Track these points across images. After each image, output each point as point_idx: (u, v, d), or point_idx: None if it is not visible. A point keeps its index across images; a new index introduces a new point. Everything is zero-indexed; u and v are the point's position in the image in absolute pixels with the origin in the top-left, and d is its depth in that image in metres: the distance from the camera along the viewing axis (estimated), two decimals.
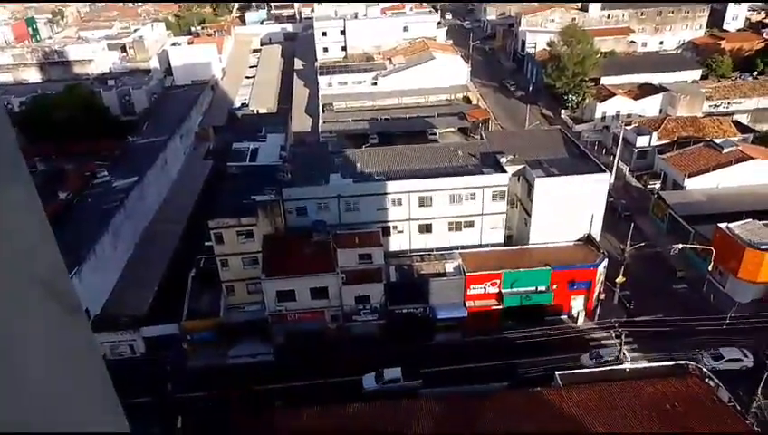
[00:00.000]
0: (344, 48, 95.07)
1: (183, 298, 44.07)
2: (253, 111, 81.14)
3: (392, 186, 45.84)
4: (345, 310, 43.08)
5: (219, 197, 47.80)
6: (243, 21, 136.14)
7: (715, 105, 73.67)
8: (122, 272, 48.06)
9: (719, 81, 79.72)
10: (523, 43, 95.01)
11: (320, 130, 74.28)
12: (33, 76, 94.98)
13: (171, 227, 53.46)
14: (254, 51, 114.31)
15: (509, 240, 49.08)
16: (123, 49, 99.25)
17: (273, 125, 64.95)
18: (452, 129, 73.98)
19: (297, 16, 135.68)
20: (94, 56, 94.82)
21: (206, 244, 45.44)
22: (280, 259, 42.06)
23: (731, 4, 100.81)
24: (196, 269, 47.03)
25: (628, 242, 45.79)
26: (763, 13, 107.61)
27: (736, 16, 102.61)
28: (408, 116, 76.38)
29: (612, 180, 55.51)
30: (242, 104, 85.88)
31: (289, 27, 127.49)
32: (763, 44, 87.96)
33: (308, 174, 47.23)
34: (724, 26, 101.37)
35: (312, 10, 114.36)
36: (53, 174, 57.41)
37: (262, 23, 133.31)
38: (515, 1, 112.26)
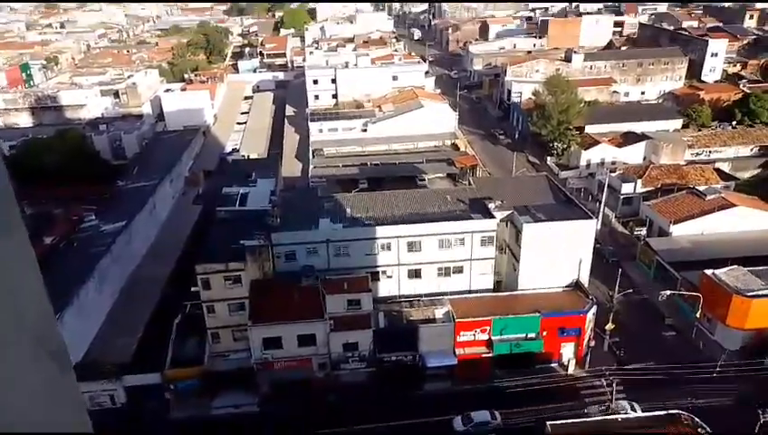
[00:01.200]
0: (335, 96, 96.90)
1: (167, 345, 43.16)
2: (243, 156, 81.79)
3: (381, 231, 45.95)
4: (333, 358, 42.38)
5: (207, 241, 47.54)
6: (236, 69, 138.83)
7: (697, 153, 75.45)
8: (106, 317, 47.14)
9: (700, 130, 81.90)
10: (509, 92, 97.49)
11: (310, 175, 74.85)
12: (24, 121, 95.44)
13: (158, 271, 52.85)
14: (246, 98, 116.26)
15: (498, 286, 49.01)
16: (116, 95, 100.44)
17: (263, 170, 65.30)
18: (441, 174, 74.87)
19: (289, 65, 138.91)
20: (87, 101, 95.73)
21: (193, 289, 44.88)
22: (267, 305, 41.57)
23: (708, 58, 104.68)
24: (181, 315, 46.27)
25: (617, 288, 45.91)
26: (739, 65, 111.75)
27: (714, 68, 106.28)
28: (397, 162, 77.33)
29: (599, 226, 56.11)
30: (233, 149, 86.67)
31: (281, 75, 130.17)
32: (740, 95, 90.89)
33: (297, 219, 47.30)
34: (703, 77, 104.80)
35: (304, 59, 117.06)
36: (40, 218, 56.93)
37: (254, 71, 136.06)
38: (477, 1, 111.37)
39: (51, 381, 2.06)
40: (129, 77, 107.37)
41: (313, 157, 79.30)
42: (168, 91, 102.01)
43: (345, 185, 69.88)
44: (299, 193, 64.84)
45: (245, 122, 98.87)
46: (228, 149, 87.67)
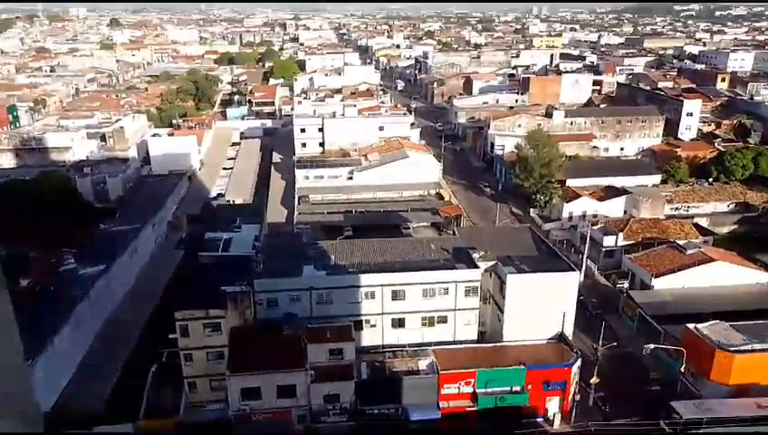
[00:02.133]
0: (322, 144, 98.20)
1: (142, 394, 41.65)
2: (229, 201, 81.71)
3: (365, 278, 45.62)
4: (313, 409, 41.15)
5: (188, 287, 46.74)
6: (224, 116, 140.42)
7: (676, 208, 77.14)
8: (80, 363, 45.57)
9: (678, 185, 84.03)
10: (492, 145, 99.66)
11: (295, 221, 74.77)
12: (7, 162, 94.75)
13: (136, 317, 51.61)
14: (234, 144, 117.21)
15: (482, 337, 48.57)
16: (103, 138, 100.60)
17: (248, 216, 65.23)
18: (425, 223, 75.30)
19: (277, 113, 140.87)
20: (72, 144, 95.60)
21: (171, 336, 43.73)
22: (247, 354, 40.55)
23: (684, 117, 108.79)
24: (158, 363, 44.90)
25: (601, 341, 45.74)
26: (713, 125, 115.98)
27: (689, 127, 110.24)
28: (382, 210, 77.75)
29: (582, 278, 56.41)
30: (218, 194, 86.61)
31: (269, 123, 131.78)
32: (715, 153, 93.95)
33: (281, 265, 46.84)
34: (679, 135, 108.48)
35: (292, 108, 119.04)
36: (18, 259, 55.63)
37: (242, 118, 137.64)
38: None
39: None
40: (116, 121, 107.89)
41: (299, 203, 79.49)
42: (155, 135, 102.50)
43: (330, 232, 69.79)
44: (283, 239, 64.51)
45: (232, 168, 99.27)
46: (214, 193, 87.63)
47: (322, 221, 74.60)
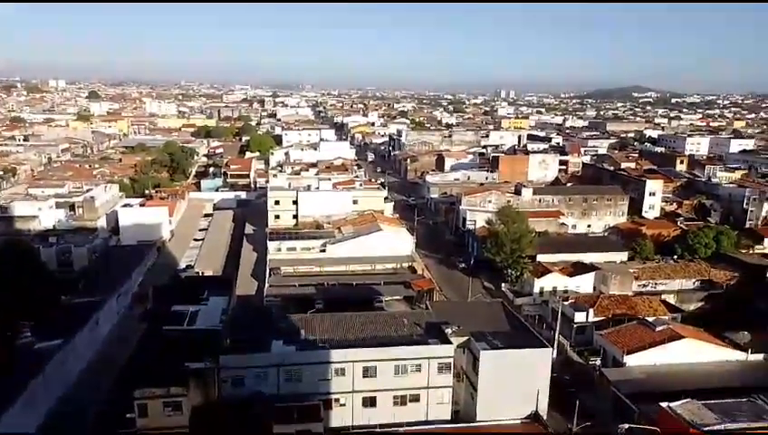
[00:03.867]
0: (295, 216, 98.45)
1: None
2: (198, 272, 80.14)
3: (336, 354, 44.48)
4: None
5: (148, 363, 44.71)
6: (198, 187, 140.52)
7: (644, 285, 78.40)
8: None
9: (644, 262, 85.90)
10: (464, 219, 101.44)
11: (265, 293, 73.39)
12: None
13: (92, 395, 48.77)
14: (206, 215, 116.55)
15: (456, 416, 47.16)
16: (72, 208, 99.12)
17: (216, 288, 63.86)
18: (398, 297, 74.67)
19: (252, 185, 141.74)
20: (39, 213, 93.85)
21: (128, 416, 41.30)
22: None
23: (647, 196, 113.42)
24: None
25: (575, 420, 44.83)
26: (675, 204, 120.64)
27: (653, 206, 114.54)
28: (354, 283, 77.08)
29: (555, 355, 55.96)
30: (187, 266, 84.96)
31: (243, 195, 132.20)
32: (678, 231, 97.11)
33: (249, 340, 45.45)
34: (643, 214, 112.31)
35: (267, 181, 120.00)
36: None
37: (217, 189, 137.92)
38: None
39: None
40: (87, 190, 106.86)
41: (270, 275, 78.37)
42: (126, 205, 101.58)
43: (301, 305, 68.42)
44: (252, 312, 62.98)
45: (203, 239, 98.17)
46: (183, 265, 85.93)
47: (293, 294, 73.39)
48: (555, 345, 59.12)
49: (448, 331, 47.63)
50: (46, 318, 57.71)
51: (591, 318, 65.52)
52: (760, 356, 56.90)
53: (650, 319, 61.89)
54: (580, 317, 65.57)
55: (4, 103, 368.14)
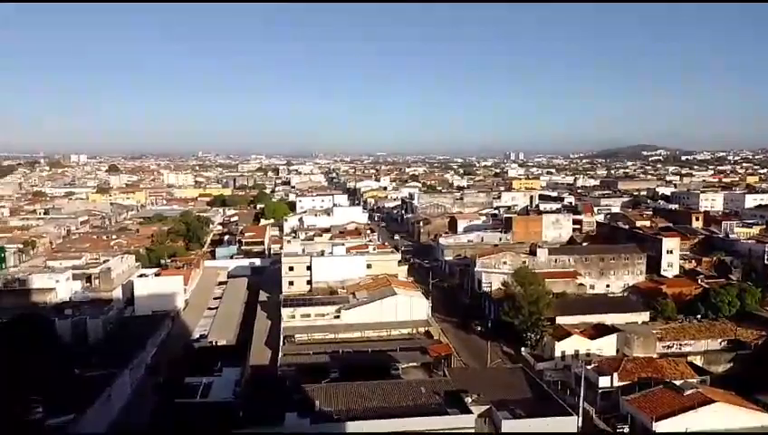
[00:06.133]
0: (309, 282, 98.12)
1: None
2: (211, 342, 79.36)
3: (352, 426, 43.06)
4: None
5: None
6: (213, 255, 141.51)
7: (668, 346, 75.98)
8: None
9: (667, 323, 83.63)
10: (479, 281, 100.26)
11: (279, 363, 72.06)
12: None
13: None
14: (221, 283, 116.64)
15: None
16: (88, 279, 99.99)
17: (229, 358, 63.08)
18: (414, 364, 72.88)
19: (266, 252, 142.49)
20: (56, 285, 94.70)
21: None
22: None
23: (665, 254, 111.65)
24: None
25: None
26: (694, 262, 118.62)
27: (671, 264, 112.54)
28: (370, 349, 75.56)
29: (580, 423, 53.61)
30: (200, 336, 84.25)
31: (257, 262, 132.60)
32: (699, 290, 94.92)
33: (262, 413, 44.28)
34: (662, 272, 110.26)
35: (281, 247, 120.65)
36: None
37: (231, 257, 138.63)
38: None
39: None
40: (104, 262, 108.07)
41: (284, 344, 77.27)
42: (141, 275, 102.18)
43: (316, 374, 66.96)
44: (265, 383, 61.69)
45: (217, 308, 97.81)
46: (196, 335, 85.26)
47: (308, 362, 71.97)
48: (580, 412, 56.76)
49: (468, 399, 46.11)
50: (59, 392, 57.00)
51: (616, 383, 63.20)
52: None
53: (677, 382, 59.56)
54: (604, 382, 63.29)
55: (27, 178, 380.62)
